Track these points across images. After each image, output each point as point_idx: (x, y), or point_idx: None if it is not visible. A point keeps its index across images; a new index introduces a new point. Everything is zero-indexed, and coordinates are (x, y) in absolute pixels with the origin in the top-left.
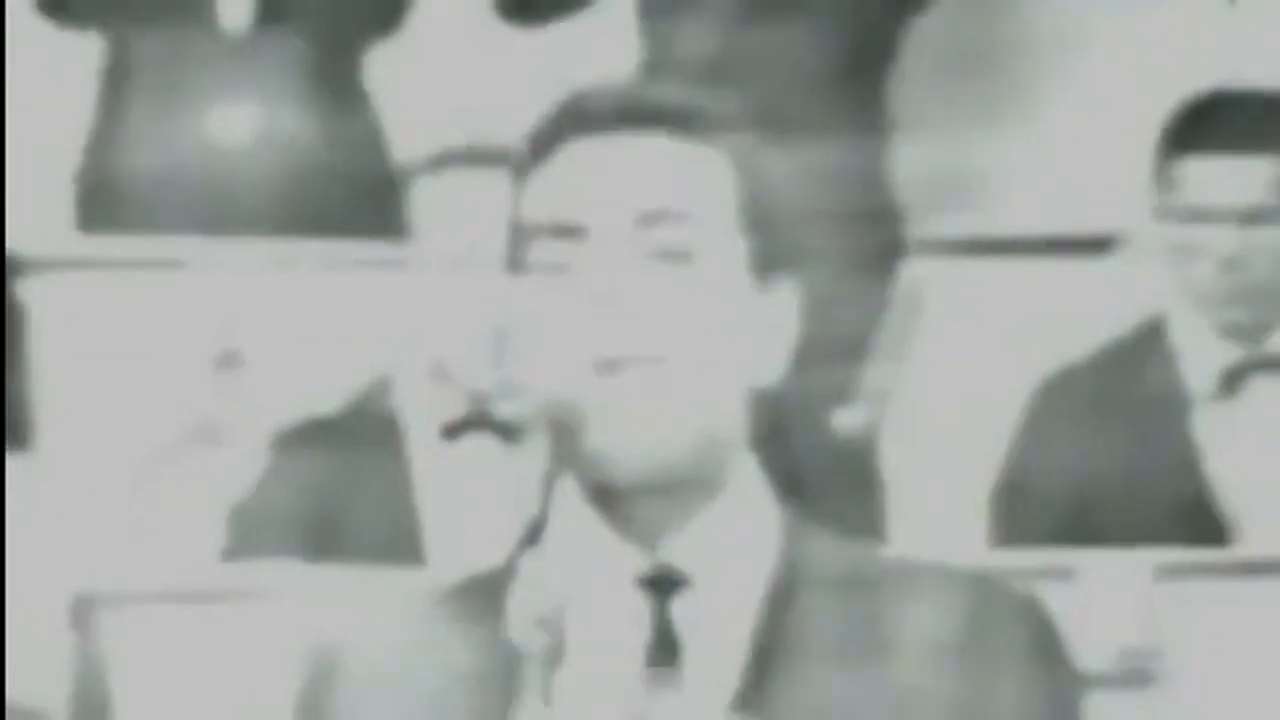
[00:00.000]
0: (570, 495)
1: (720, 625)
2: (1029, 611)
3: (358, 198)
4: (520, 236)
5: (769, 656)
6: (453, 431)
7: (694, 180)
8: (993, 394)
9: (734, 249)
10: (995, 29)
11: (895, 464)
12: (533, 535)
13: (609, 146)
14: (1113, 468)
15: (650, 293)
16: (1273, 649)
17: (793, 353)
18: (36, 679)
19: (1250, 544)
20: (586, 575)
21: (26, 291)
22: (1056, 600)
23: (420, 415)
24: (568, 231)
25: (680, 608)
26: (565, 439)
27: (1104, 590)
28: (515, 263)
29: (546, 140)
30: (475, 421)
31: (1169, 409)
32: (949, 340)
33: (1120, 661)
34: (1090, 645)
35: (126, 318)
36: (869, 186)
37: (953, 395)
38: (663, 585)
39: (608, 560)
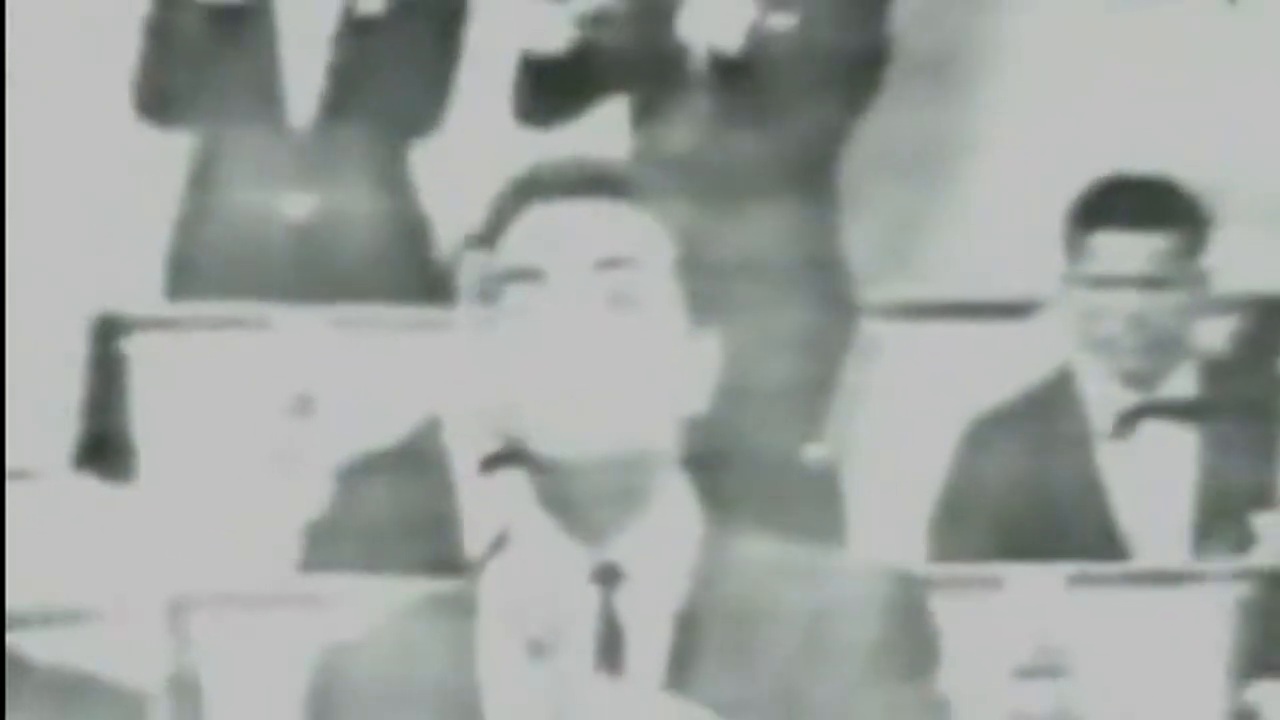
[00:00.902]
0: (530, 507)
1: (653, 613)
2: (900, 594)
3: (407, 269)
4: (489, 287)
5: (691, 637)
6: (489, 466)
7: (638, 235)
8: (932, 432)
9: (672, 297)
10: (931, 127)
11: (853, 487)
12: (499, 542)
13: (566, 207)
14: (1031, 495)
15: (604, 332)
16: (1160, 643)
17: (718, 390)
18: (137, 669)
19: (1143, 558)
20: (545, 573)
21: (128, 346)
22: (985, 605)
23: (463, 451)
24: (531, 275)
25: (622, 599)
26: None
27: (1025, 597)
28: (485, 312)
29: (510, 205)
30: (509, 457)
31: (1077, 445)
32: (896, 387)
33: (1038, 656)
34: (1013, 642)
35: (213, 370)
36: (821, 247)
37: (899, 432)
38: (608, 579)
39: (562, 560)
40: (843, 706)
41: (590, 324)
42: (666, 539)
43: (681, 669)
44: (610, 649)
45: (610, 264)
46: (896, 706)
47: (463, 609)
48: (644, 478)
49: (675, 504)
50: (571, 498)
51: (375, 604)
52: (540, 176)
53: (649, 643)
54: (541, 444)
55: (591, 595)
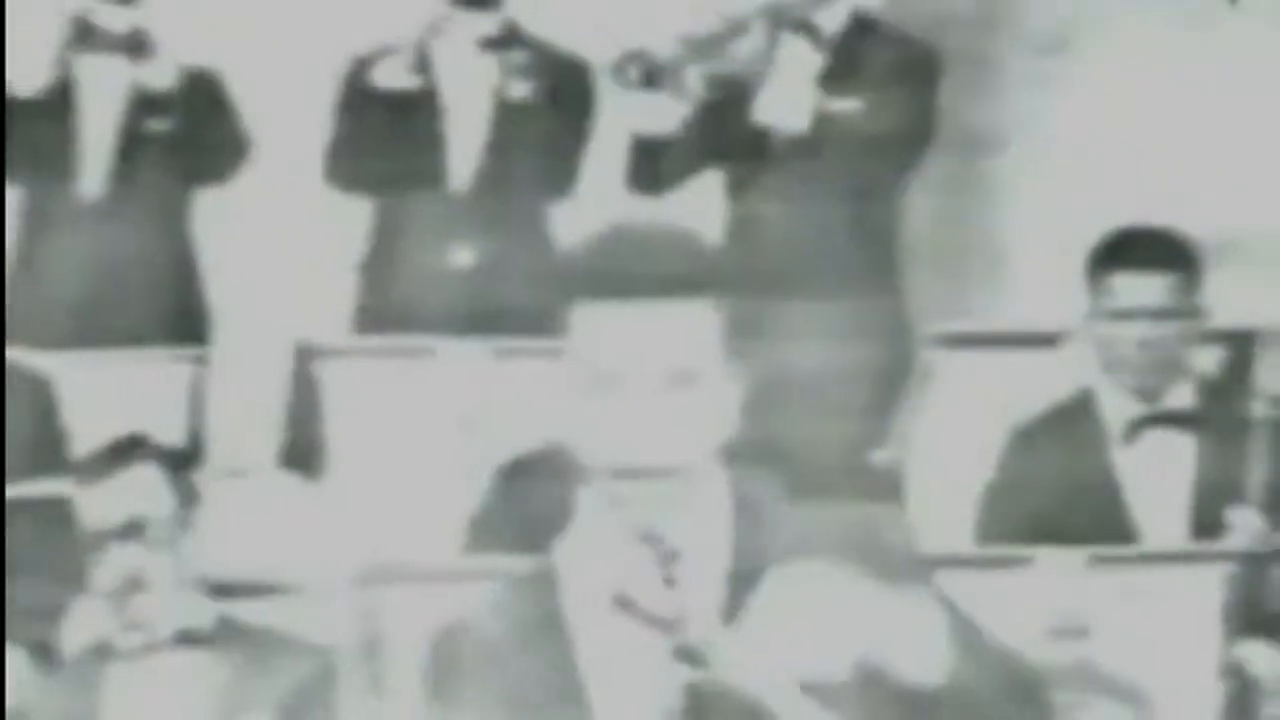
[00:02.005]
0: (598, 504)
1: (702, 579)
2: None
3: (545, 309)
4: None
5: (737, 587)
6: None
7: (706, 335)
8: (978, 440)
9: (722, 369)
10: (970, 203)
11: (913, 484)
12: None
13: (632, 309)
14: (1058, 489)
15: (664, 406)
16: (1163, 610)
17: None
18: (329, 632)
19: (1149, 542)
20: (613, 557)
21: (322, 370)
22: (1019, 580)
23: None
24: (608, 379)
25: (679, 569)
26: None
27: (1052, 573)
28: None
29: (572, 303)
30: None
31: (1096, 448)
32: (948, 404)
33: (1063, 621)
34: (1042, 610)
35: (391, 391)
36: (886, 290)
37: (951, 440)
38: (666, 558)
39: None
40: None
41: (652, 401)
42: (709, 524)
43: (730, 612)
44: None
45: (679, 377)
46: None
47: (548, 582)
48: (689, 484)
49: (714, 498)
50: (631, 498)
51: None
52: (598, 274)
53: (702, 603)
54: (613, 460)
55: (654, 569)
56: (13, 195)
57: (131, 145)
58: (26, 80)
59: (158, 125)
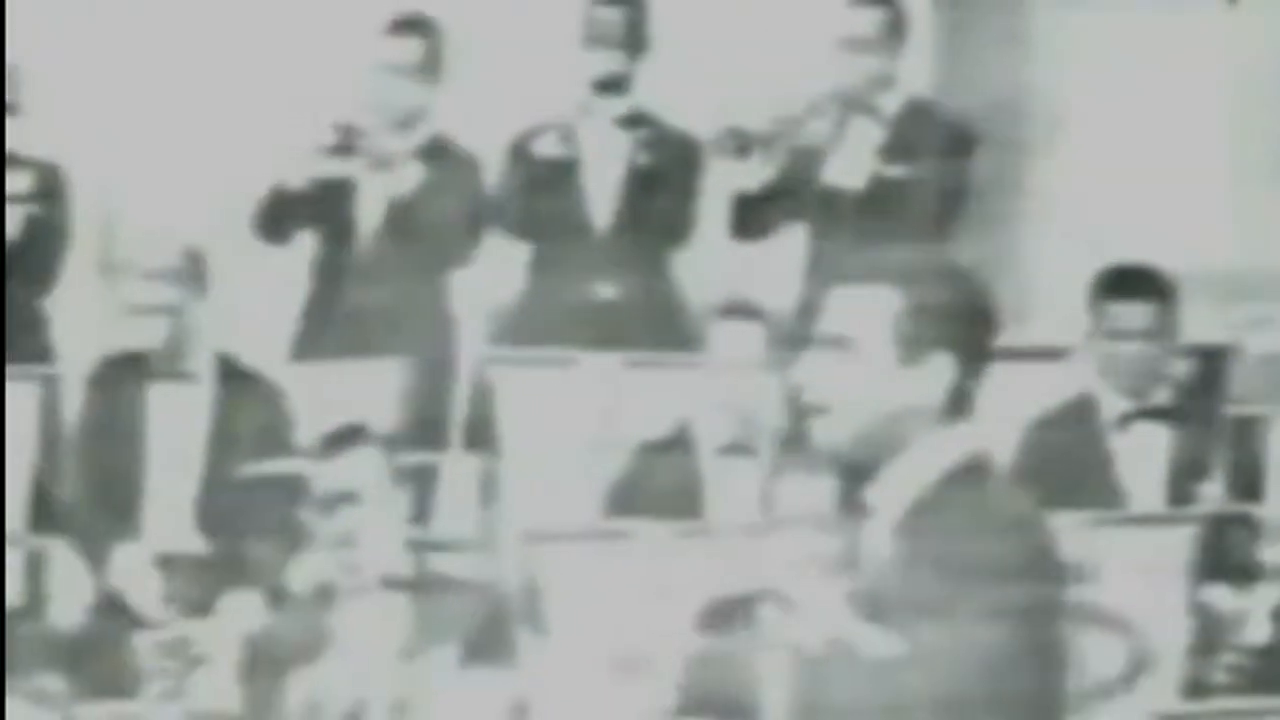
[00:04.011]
0: None
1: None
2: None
3: (671, 329)
4: None
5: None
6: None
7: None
8: (999, 431)
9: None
10: (994, 245)
11: None
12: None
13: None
14: (1066, 468)
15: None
16: (1145, 561)
17: None
18: (502, 580)
19: (1135, 507)
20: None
21: (492, 375)
22: None
23: (708, 445)
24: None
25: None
26: None
27: (1061, 532)
28: None
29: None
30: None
31: (1095, 437)
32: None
33: (1075, 570)
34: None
35: (546, 390)
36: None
37: (985, 429)
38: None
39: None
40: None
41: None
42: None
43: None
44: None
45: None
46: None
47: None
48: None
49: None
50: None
51: (654, 536)
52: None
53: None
54: None
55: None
56: None
57: None
58: None
59: None
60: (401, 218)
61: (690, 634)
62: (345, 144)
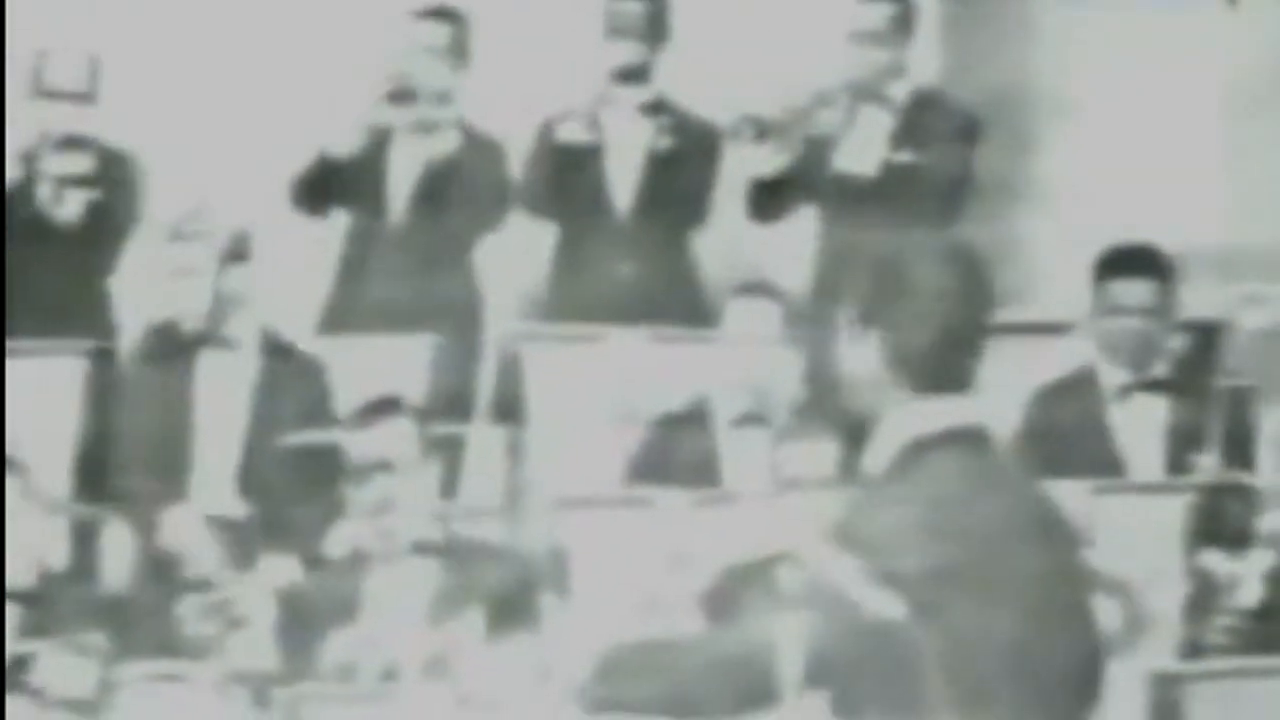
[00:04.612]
0: None
1: None
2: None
3: (692, 305)
4: None
5: None
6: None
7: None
8: (1005, 403)
9: None
10: (999, 228)
11: None
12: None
13: None
14: (1069, 436)
15: None
16: (1144, 526)
17: None
18: (530, 543)
19: (1134, 475)
20: None
21: (522, 349)
22: None
23: (724, 417)
24: None
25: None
26: None
27: (1065, 498)
28: None
29: None
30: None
31: (1096, 407)
32: (989, 375)
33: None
34: None
35: (572, 364)
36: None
37: (990, 400)
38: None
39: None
40: None
41: None
42: None
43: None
44: None
45: None
46: None
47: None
48: None
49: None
50: None
51: (673, 503)
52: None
53: None
54: None
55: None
56: None
57: None
58: None
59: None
60: (440, 180)
61: (707, 597)
62: (401, 92)
